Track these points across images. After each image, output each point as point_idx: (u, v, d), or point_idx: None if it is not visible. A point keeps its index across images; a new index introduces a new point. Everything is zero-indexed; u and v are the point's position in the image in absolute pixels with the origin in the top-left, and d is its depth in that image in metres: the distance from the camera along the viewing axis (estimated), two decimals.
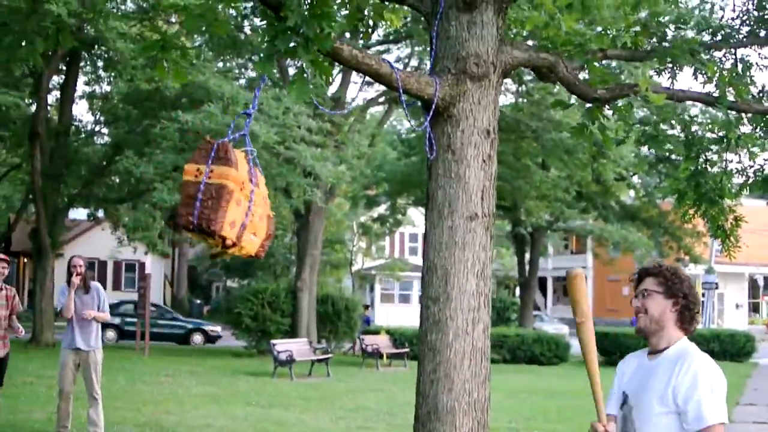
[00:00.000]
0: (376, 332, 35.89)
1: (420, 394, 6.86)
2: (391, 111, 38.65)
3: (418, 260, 61.42)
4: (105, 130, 38.10)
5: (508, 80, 27.25)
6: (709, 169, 8.63)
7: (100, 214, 42.66)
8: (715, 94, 7.86)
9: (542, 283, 76.03)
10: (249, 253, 5.74)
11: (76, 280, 12.64)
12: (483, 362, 6.79)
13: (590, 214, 43.80)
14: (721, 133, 8.26)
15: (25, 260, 57.94)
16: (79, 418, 13.50)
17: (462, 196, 6.79)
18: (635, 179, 44.15)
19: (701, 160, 8.59)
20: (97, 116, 39.52)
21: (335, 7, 6.93)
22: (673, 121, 8.86)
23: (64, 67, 33.43)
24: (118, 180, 34.30)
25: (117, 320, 38.14)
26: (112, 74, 33.88)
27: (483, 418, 6.76)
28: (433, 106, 6.74)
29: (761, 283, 69.37)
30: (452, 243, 6.78)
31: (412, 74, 6.78)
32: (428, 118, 6.82)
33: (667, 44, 8.22)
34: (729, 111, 7.74)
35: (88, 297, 12.76)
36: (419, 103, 7.09)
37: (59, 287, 13.40)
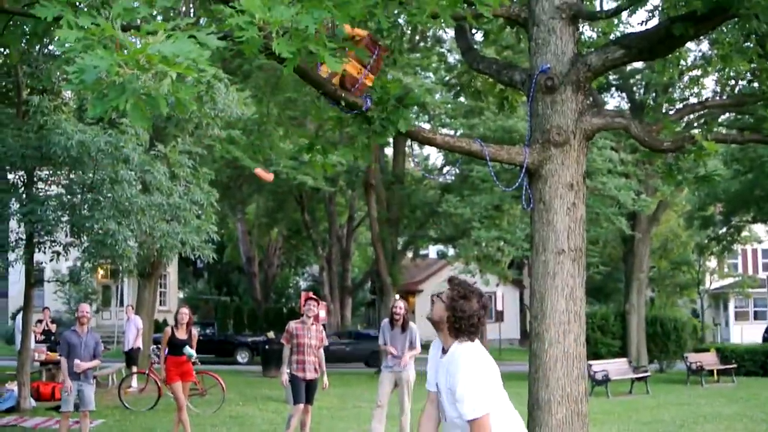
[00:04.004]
0: (706, 350, 36.66)
1: (528, 389, 8.90)
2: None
3: None
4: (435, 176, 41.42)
5: None
6: None
7: (451, 251, 45.72)
8: None
9: None
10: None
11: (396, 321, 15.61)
12: (575, 364, 8.71)
13: None
14: None
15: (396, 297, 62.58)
16: None
17: (552, 236, 8.77)
18: None
19: None
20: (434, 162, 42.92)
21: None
22: None
23: None
24: (444, 221, 37.35)
25: None
26: None
27: (578, 408, 8.67)
28: (524, 169, 8.81)
29: None
30: (545, 273, 8.78)
31: (501, 148, 8.93)
32: (521, 178, 8.89)
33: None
34: None
35: (403, 335, 15.58)
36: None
37: (383, 322, 16.33)
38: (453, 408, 5.75)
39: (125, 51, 4.06)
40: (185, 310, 16.47)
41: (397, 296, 36.41)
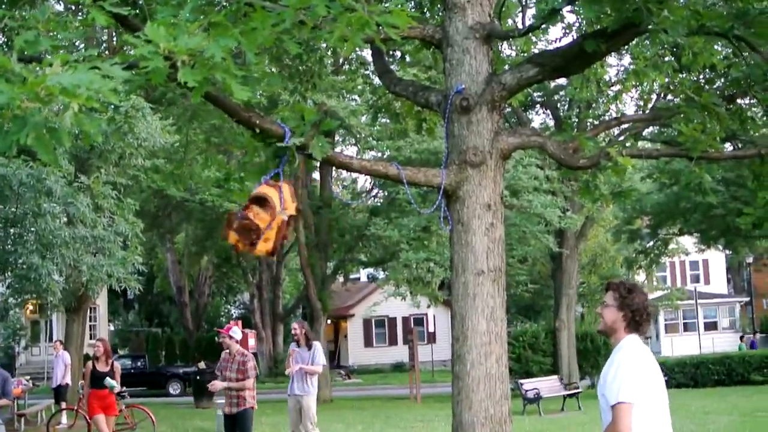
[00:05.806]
0: None
1: (452, 412, 8.88)
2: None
3: (700, 288, 61.09)
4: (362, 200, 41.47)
5: None
6: None
7: (381, 275, 45.62)
8: None
9: None
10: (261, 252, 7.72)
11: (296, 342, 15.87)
12: (498, 385, 8.72)
13: None
14: None
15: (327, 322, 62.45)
16: None
17: (470, 257, 8.77)
18: None
19: None
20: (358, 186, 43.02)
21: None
22: None
23: None
24: (374, 244, 37.35)
25: None
26: None
27: (501, 430, 8.65)
28: (441, 191, 8.81)
29: None
30: (465, 294, 8.79)
31: (419, 170, 8.93)
32: (439, 200, 8.89)
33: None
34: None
35: (307, 354, 15.67)
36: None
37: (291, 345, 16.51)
38: (603, 399, 5.84)
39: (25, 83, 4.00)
40: (99, 343, 16.40)
41: (323, 323, 36.52)
